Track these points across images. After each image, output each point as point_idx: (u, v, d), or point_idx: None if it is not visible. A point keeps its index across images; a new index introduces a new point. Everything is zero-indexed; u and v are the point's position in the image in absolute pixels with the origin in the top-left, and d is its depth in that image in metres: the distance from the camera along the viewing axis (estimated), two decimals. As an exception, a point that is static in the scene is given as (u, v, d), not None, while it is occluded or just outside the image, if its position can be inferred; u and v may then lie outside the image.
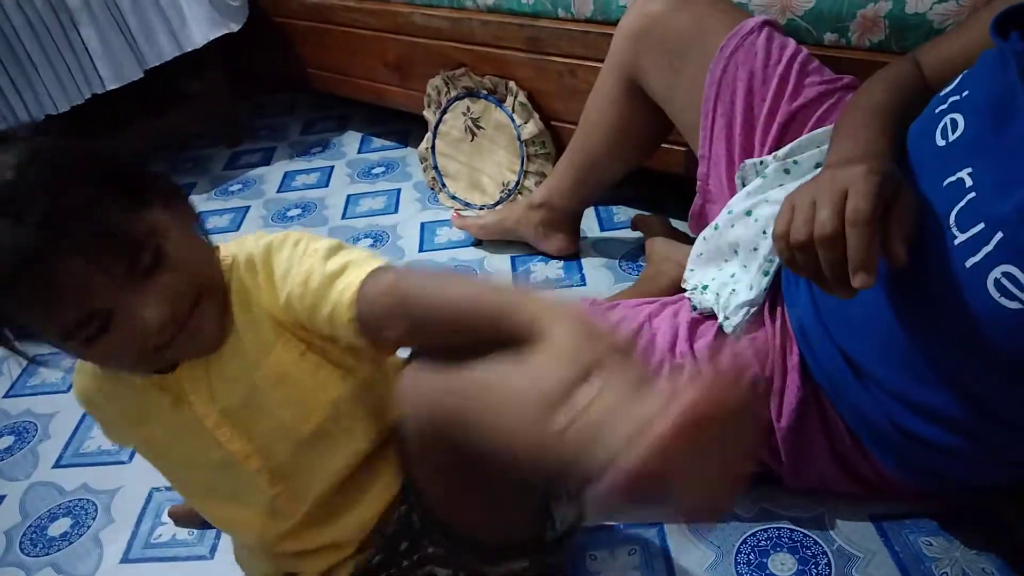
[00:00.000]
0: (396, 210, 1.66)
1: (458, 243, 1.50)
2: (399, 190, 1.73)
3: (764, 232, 0.83)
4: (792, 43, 0.96)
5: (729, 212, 0.88)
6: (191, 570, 0.97)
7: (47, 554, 1.01)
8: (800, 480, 0.88)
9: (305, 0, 1.83)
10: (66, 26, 1.66)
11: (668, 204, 1.40)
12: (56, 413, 1.26)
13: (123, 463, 1.14)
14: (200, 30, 1.81)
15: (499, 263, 1.42)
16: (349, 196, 1.75)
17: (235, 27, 1.84)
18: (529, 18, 1.39)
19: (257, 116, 2.25)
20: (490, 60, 1.49)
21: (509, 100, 1.48)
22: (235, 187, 1.89)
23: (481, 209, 1.59)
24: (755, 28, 0.96)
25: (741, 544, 0.87)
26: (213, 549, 0.99)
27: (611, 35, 1.14)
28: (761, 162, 0.89)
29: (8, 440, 1.22)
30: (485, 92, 1.52)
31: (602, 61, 1.18)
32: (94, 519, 1.06)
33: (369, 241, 1.56)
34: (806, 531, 0.87)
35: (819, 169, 0.84)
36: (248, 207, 1.78)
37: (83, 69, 1.70)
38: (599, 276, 1.34)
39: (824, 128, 0.87)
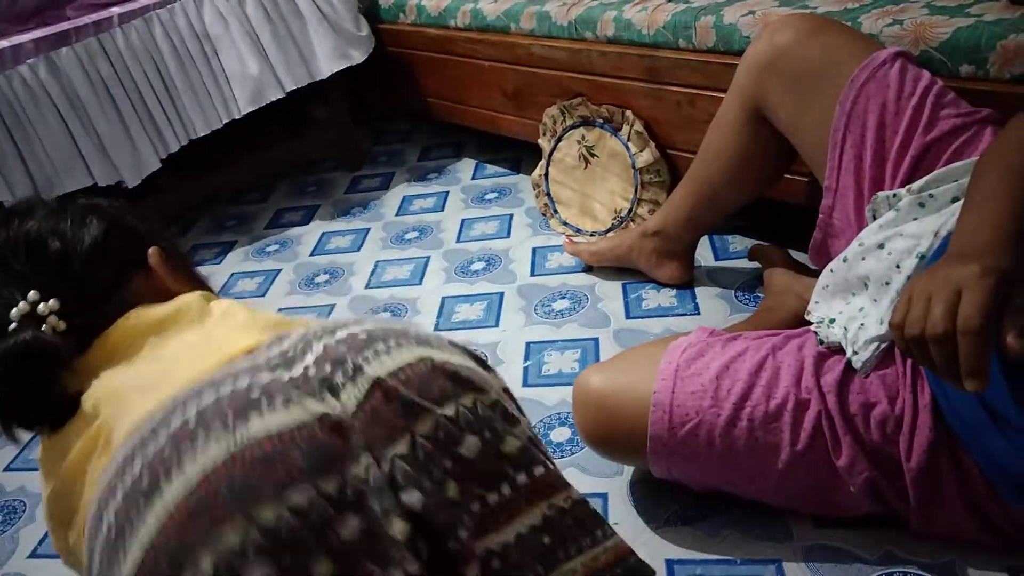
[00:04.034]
0: (508, 235, 1.70)
1: (569, 268, 1.52)
2: (511, 215, 1.77)
3: (897, 266, 0.81)
4: (926, 74, 0.93)
5: (860, 244, 0.86)
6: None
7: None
8: (928, 525, 0.84)
9: (427, 32, 1.91)
10: (208, 54, 1.78)
11: (785, 234, 1.38)
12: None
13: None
14: (328, 61, 1.91)
15: (610, 289, 1.43)
16: (463, 220, 1.80)
17: (360, 58, 1.93)
18: (649, 48, 1.40)
19: (377, 143, 2.35)
20: (607, 90, 1.51)
21: (625, 129, 1.50)
22: (356, 210, 1.97)
23: (592, 236, 1.61)
24: (888, 59, 0.94)
25: (864, 587, 0.84)
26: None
27: (732, 65, 1.14)
28: (894, 195, 0.87)
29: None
30: (601, 121, 1.54)
31: (722, 91, 1.18)
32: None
33: (482, 264, 1.60)
34: (934, 578, 0.83)
35: (955, 204, 0.82)
36: (368, 229, 1.86)
37: (223, 95, 1.82)
38: (713, 306, 1.33)
39: (963, 162, 0.84)
